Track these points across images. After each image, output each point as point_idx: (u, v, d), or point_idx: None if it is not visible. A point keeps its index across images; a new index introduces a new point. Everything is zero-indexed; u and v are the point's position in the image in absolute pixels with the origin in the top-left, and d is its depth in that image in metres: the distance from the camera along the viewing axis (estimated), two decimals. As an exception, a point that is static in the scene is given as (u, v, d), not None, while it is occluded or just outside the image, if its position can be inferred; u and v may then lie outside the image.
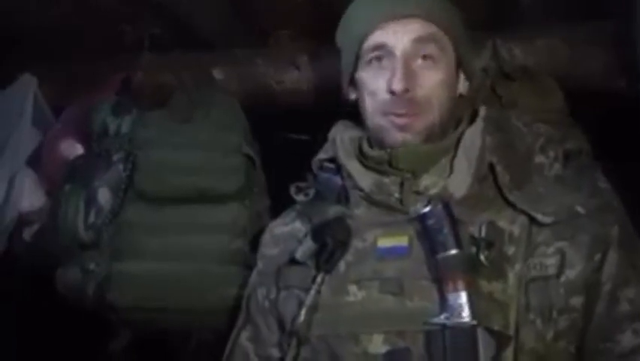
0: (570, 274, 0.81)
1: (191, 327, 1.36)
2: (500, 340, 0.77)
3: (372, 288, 0.83)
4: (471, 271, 0.78)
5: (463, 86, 0.96)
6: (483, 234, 0.81)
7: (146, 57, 1.49)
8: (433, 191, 0.88)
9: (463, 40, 0.94)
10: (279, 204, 1.46)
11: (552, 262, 0.81)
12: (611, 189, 0.92)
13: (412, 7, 0.90)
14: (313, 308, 0.84)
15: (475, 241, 0.81)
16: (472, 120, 0.95)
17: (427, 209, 0.83)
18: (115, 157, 1.33)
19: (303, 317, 0.84)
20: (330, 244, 0.86)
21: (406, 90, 0.87)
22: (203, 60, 1.55)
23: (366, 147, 0.95)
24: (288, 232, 0.99)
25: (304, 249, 0.90)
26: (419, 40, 0.89)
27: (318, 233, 0.89)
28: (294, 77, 1.51)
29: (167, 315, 1.30)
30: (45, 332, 1.43)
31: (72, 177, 1.34)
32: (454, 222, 0.81)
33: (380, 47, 0.90)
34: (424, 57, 0.89)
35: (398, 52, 0.88)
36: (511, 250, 0.82)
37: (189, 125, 1.37)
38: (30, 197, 1.41)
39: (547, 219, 0.83)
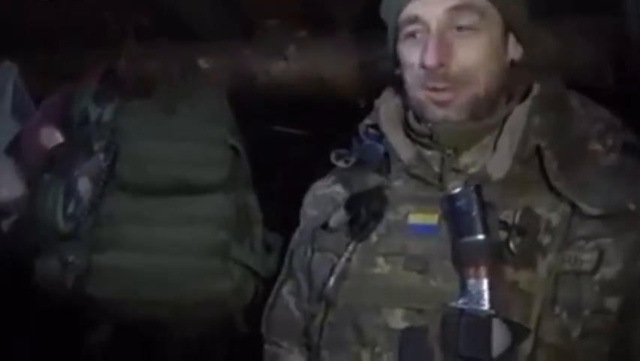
0: (606, 273, 0.76)
1: (173, 320, 1.34)
2: (518, 332, 0.74)
3: (398, 263, 0.83)
4: (496, 258, 0.76)
5: (514, 51, 0.89)
6: (517, 220, 0.78)
7: (131, 46, 1.46)
8: (472, 170, 0.86)
9: (511, 1, 0.87)
10: (266, 196, 1.46)
11: (588, 257, 0.77)
12: None
13: None
14: (342, 275, 0.86)
15: (506, 226, 0.78)
16: (525, 96, 0.89)
17: (456, 190, 0.80)
18: (96, 146, 1.31)
19: (332, 283, 0.85)
20: (364, 214, 0.86)
21: (440, 65, 0.82)
22: (189, 50, 1.53)
23: (411, 119, 0.92)
24: (328, 194, 0.99)
25: (338, 217, 0.90)
26: (455, 9, 0.83)
27: (353, 203, 0.89)
28: (282, 67, 1.49)
29: (147, 308, 1.28)
30: (22, 325, 1.40)
31: (51, 166, 1.31)
32: (484, 206, 0.78)
33: (414, 19, 0.86)
34: (460, 28, 0.83)
35: (432, 24, 0.83)
36: (545, 240, 0.78)
37: (174, 116, 1.36)
38: (9, 186, 1.38)
39: (593, 211, 0.77)
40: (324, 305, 0.87)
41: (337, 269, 0.86)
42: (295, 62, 1.48)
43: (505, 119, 0.87)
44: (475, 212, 0.77)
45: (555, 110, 0.86)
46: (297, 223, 1.05)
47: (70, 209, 1.28)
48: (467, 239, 0.78)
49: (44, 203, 1.28)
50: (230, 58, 1.53)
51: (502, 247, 0.77)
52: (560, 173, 0.80)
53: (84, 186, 1.29)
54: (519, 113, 0.86)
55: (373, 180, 0.91)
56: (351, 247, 0.86)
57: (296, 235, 1.04)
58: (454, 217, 0.80)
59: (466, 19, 0.83)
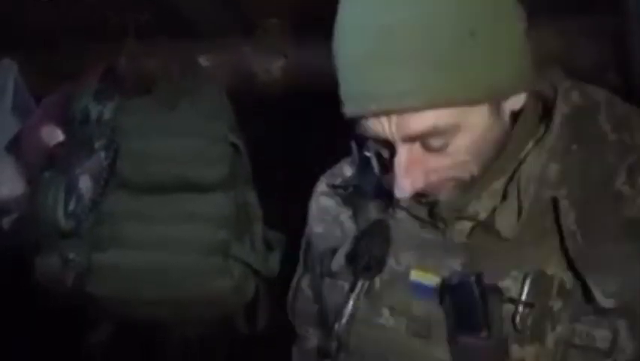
0: (619, 358, 0.69)
1: (173, 319, 1.34)
2: None
3: (401, 323, 0.80)
4: (498, 357, 0.71)
5: (514, 103, 0.72)
6: (525, 290, 0.71)
7: (132, 44, 1.46)
8: (482, 215, 0.75)
9: (496, 81, 0.68)
10: (266, 194, 1.45)
11: (603, 335, 0.69)
12: None
13: (407, 98, 0.65)
14: (353, 317, 0.83)
15: (512, 301, 0.71)
16: (545, 113, 0.75)
17: (455, 281, 0.74)
18: (97, 144, 1.30)
19: (344, 322, 0.82)
20: (365, 259, 0.81)
21: (414, 189, 0.71)
22: (189, 48, 1.53)
23: None
24: (331, 208, 0.92)
25: (340, 261, 0.85)
26: (421, 134, 0.68)
27: (355, 243, 0.84)
28: (282, 66, 1.49)
29: (147, 307, 1.28)
30: (22, 324, 1.40)
31: (52, 164, 1.31)
32: (485, 298, 0.71)
33: (375, 137, 0.71)
34: (429, 149, 0.70)
35: (395, 144, 0.69)
36: (557, 305, 0.70)
37: (174, 114, 1.35)
38: (9, 184, 1.38)
39: (607, 303, 0.68)
40: (336, 345, 0.84)
41: (347, 311, 0.82)
42: (295, 61, 1.48)
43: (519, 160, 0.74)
44: (475, 306, 0.71)
45: (579, 140, 0.72)
46: (297, 221, 1.04)
47: (71, 207, 1.27)
48: (467, 339, 0.72)
49: (45, 201, 1.28)
50: (230, 56, 1.54)
51: (505, 344, 0.72)
52: (576, 231, 0.70)
53: (85, 184, 1.29)
54: (532, 162, 0.73)
55: (375, 209, 0.84)
56: (358, 288, 0.82)
57: (308, 230, 0.98)
58: (453, 309, 0.74)
59: (435, 142, 0.69)
